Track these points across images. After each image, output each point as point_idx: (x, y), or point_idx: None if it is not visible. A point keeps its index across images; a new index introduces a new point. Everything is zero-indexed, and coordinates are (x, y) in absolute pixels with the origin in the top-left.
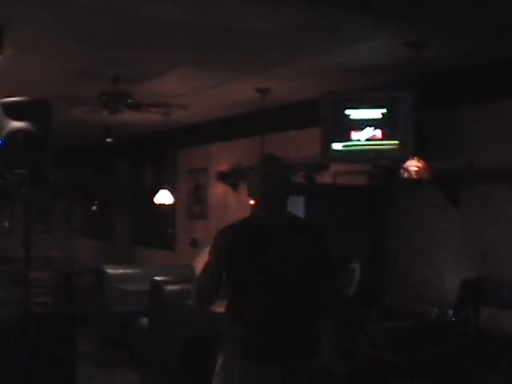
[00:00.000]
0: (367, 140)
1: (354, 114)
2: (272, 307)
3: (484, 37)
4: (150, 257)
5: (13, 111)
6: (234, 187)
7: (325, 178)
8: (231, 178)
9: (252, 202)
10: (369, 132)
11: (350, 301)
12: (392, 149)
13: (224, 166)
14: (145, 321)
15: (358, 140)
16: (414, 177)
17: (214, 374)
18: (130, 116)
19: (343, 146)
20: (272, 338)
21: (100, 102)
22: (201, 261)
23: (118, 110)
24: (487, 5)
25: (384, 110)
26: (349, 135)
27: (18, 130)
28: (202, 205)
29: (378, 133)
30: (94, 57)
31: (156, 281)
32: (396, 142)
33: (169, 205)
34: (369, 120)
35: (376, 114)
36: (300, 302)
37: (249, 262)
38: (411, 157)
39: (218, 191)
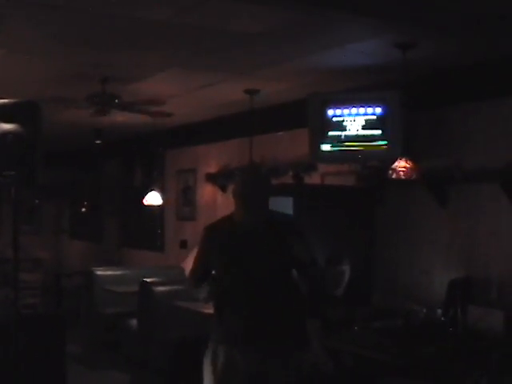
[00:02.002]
0: (355, 141)
1: (342, 114)
2: (250, 299)
3: (471, 37)
4: (139, 258)
5: (1, 113)
6: (223, 188)
7: (313, 179)
8: (220, 180)
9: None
10: (357, 133)
11: (339, 302)
12: (380, 149)
13: (213, 168)
14: (134, 322)
15: (346, 141)
16: (402, 177)
17: (203, 363)
18: (119, 117)
19: (331, 147)
20: (251, 326)
21: (89, 104)
22: (189, 262)
23: (107, 112)
24: (474, 5)
25: (372, 111)
26: (337, 136)
27: (7, 132)
28: (190, 206)
29: (366, 133)
30: (83, 58)
31: (145, 282)
32: (384, 142)
33: (158, 206)
34: (356, 121)
35: (364, 114)
36: (276, 293)
37: (226, 257)
38: (399, 157)
39: (206, 192)
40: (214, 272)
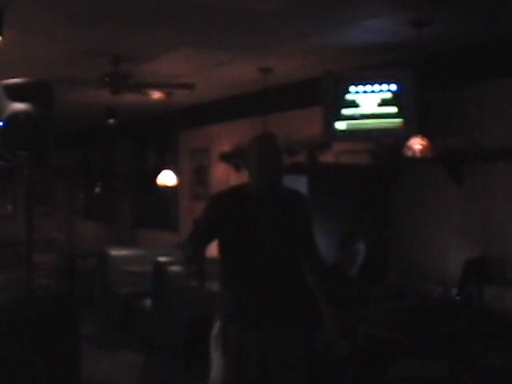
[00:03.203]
0: (370, 118)
1: (356, 92)
2: (256, 273)
3: (488, 14)
4: (153, 238)
5: (14, 93)
6: (237, 168)
7: (327, 158)
8: (234, 159)
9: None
10: (372, 110)
11: (353, 281)
12: (395, 127)
13: (226, 147)
14: (148, 302)
15: (361, 119)
16: (418, 155)
17: (211, 338)
18: (131, 97)
19: (346, 125)
20: (258, 302)
21: (102, 83)
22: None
23: (120, 91)
24: None
25: (387, 89)
26: (351, 114)
27: (20, 112)
28: (204, 185)
29: (381, 111)
30: (95, 38)
31: (159, 262)
32: (399, 120)
33: (171, 186)
34: (371, 98)
35: (379, 92)
36: (283, 267)
37: (233, 228)
38: (415, 135)
39: (220, 172)
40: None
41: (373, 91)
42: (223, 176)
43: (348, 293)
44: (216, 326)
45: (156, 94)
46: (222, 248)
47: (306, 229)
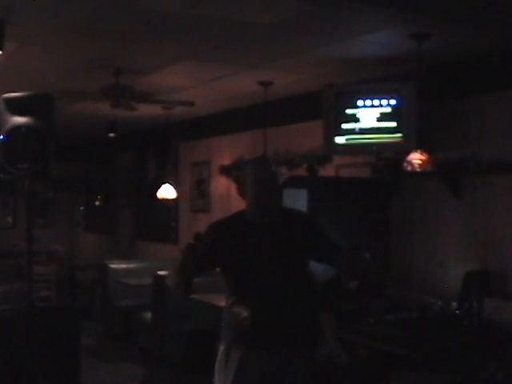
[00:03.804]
0: (370, 133)
1: (357, 106)
2: (258, 299)
3: (487, 27)
4: (153, 251)
5: (15, 106)
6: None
7: (328, 171)
8: (234, 172)
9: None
10: (371, 125)
11: (353, 294)
12: (395, 141)
13: (227, 160)
14: (148, 315)
15: (361, 133)
16: (418, 170)
17: (216, 361)
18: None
19: (346, 139)
20: (265, 326)
21: (103, 96)
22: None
23: (121, 104)
24: None
25: (387, 103)
26: (351, 128)
27: (21, 125)
28: (205, 198)
29: (381, 126)
30: (96, 51)
31: (159, 275)
32: (399, 134)
33: (172, 199)
34: (371, 113)
35: (378, 106)
36: (290, 290)
37: (233, 257)
38: (414, 149)
39: (220, 184)
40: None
41: (372, 105)
42: (223, 189)
43: (347, 306)
44: (220, 350)
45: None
46: (224, 275)
47: (319, 240)
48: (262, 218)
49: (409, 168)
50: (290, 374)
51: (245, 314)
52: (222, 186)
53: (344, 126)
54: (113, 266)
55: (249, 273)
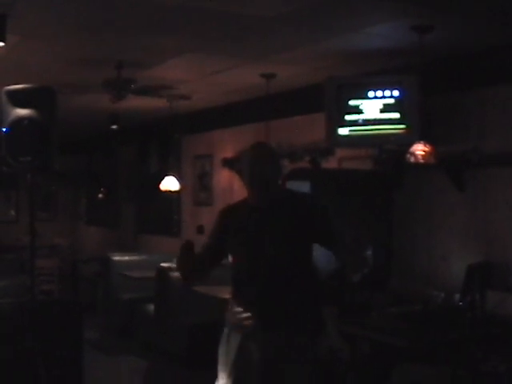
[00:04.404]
0: (373, 125)
1: (359, 98)
2: (260, 282)
3: (489, 20)
4: (156, 244)
5: (17, 99)
6: (240, 173)
7: (330, 164)
8: (236, 165)
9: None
10: (374, 116)
11: (356, 287)
12: (398, 133)
13: (229, 153)
14: (151, 307)
15: (364, 125)
16: (421, 161)
17: (219, 344)
18: (134, 103)
19: (349, 131)
20: (265, 312)
21: (104, 89)
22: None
23: (123, 97)
24: None
25: (389, 94)
26: (354, 120)
27: (23, 118)
28: (207, 191)
29: (384, 117)
30: (97, 43)
31: (162, 267)
32: (402, 126)
33: (174, 191)
34: (374, 105)
35: (381, 98)
36: (292, 277)
37: (236, 240)
38: (417, 141)
39: (223, 178)
40: (229, 258)
41: (375, 97)
42: (226, 182)
43: (350, 299)
44: (223, 336)
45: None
46: (231, 259)
47: (320, 226)
48: (260, 200)
49: (412, 159)
50: (289, 360)
51: (245, 314)
52: (225, 179)
53: (347, 117)
54: (115, 259)
55: (250, 256)
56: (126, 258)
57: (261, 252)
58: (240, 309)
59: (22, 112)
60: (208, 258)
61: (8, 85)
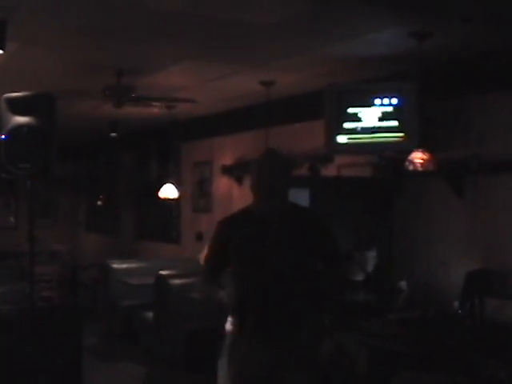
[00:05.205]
0: (371, 133)
1: (358, 106)
2: (270, 294)
3: (488, 26)
4: (155, 250)
5: (17, 106)
6: (239, 180)
7: (329, 171)
8: (236, 171)
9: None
10: (373, 124)
11: (359, 286)
12: (397, 141)
13: (229, 160)
14: (150, 314)
15: (363, 132)
16: (420, 169)
17: (222, 351)
18: (134, 109)
19: (347, 139)
20: (271, 323)
21: (104, 96)
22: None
23: (123, 104)
24: None
25: (388, 102)
26: (352, 128)
27: (23, 125)
28: (206, 198)
29: (383, 125)
30: (97, 50)
31: (161, 274)
32: (400, 134)
33: (173, 199)
34: (373, 112)
35: (380, 106)
36: (298, 290)
37: (243, 252)
38: (416, 149)
39: (222, 184)
40: (231, 269)
41: (374, 105)
42: (225, 188)
43: (353, 298)
44: (227, 342)
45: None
46: (232, 270)
47: (321, 243)
48: (267, 210)
49: (411, 167)
50: (290, 369)
51: (244, 322)
52: (224, 186)
53: (346, 125)
54: (115, 265)
55: (254, 268)
56: (126, 264)
57: (266, 265)
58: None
59: (22, 119)
60: (213, 272)
61: (8, 92)
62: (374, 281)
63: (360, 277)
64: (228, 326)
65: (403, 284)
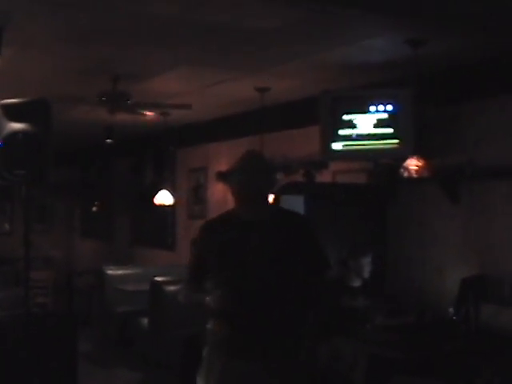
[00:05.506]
0: (366, 139)
1: (353, 112)
2: (252, 304)
3: (483, 33)
4: (150, 257)
5: (12, 112)
6: None
7: (324, 177)
8: (229, 177)
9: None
10: (368, 131)
11: (357, 292)
12: (392, 148)
13: (224, 166)
14: (145, 320)
15: (358, 139)
16: (414, 176)
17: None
18: (129, 115)
19: (343, 145)
20: (253, 336)
21: (100, 102)
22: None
23: (118, 110)
24: (486, 1)
25: (383, 109)
26: (348, 135)
27: (18, 131)
28: (201, 204)
29: (378, 132)
30: (93, 56)
31: (156, 281)
32: (395, 141)
33: (168, 206)
34: (368, 119)
35: (375, 113)
36: (282, 298)
37: (225, 257)
38: (411, 155)
39: (217, 191)
40: (212, 275)
41: (369, 112)
42: (221, 195)
43: (350, 304)
44: (203, 360)
45: (149, 114)
46: (214, 275)
47: (308, 252)
48: (250, 214)
49: (405, 174)
50: (275, 381)
51: (224, 330)
52: (219, 192)
53: (341, 131)
54: (110, 271)
55: (237, 275)
56: (121, 270)
57: (249, 271)
58: (219, 325)
59: (17, 126)
60: (196, 278)
61: (3, 97)
62: (371, 287)
63: (357, 283)
64: (208, 333)
65: (368, 261)
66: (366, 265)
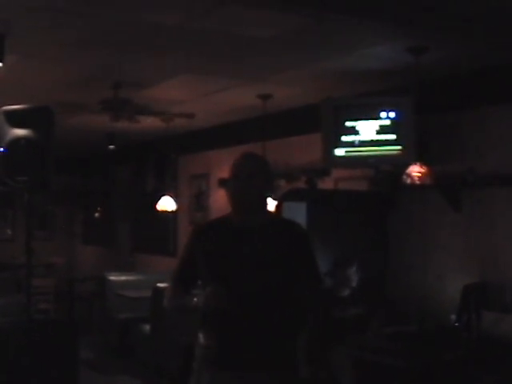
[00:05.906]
0: (369, 146)
1: (355, 119)
2: (242, 314)
3: (484, 41)
4: (152, 263)
5: (15, 119)
6: None
7: (326, 184)
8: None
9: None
10: (370, 137)
11: (346, 302)
12: (394, 154)
13: (226, 172)
14: (146, 327)
15: (360, 146)
16: (417, 182)
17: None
18: (131, 122)
19: (345, 152)
20: (242, 347)
21: (101, 109)
22: None
23: (120, 117)
24: (487, 10)
25: (386, 116)
26: (350, 141)
27: (20, 138)
28: (203, 211)
29: (380, 138)
30: (95, 63)
31: (158, 287)
32: (398, 147)
33: (171, 212)
34: (370, 126)
35: (377, 119)
36: (273, 309)
37: (215, 266)
38: (413, 162)
39: (219, 197)
40: (201, 282)
41: (371, 118)
42: (222, 201)
43: (341, 314)
44: (193, 372)
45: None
46: (202, 283)
47: (302, 264)
48: (244, 221)
49: (408, 181)
50: None
51: (212, 342)
52: (221, 199)
53: (344, 138)
54: (111, 278)
55: (227, 284)
56: (122, 277)
57: (238, 277)
58: (207, 337)
59: (20, 132)
60: (186, 289)
61: (5, 104)
62: (364, 295)
63: (345, 292)
64: (197, 347)
65: (353, 270)
66: (353, 274)
